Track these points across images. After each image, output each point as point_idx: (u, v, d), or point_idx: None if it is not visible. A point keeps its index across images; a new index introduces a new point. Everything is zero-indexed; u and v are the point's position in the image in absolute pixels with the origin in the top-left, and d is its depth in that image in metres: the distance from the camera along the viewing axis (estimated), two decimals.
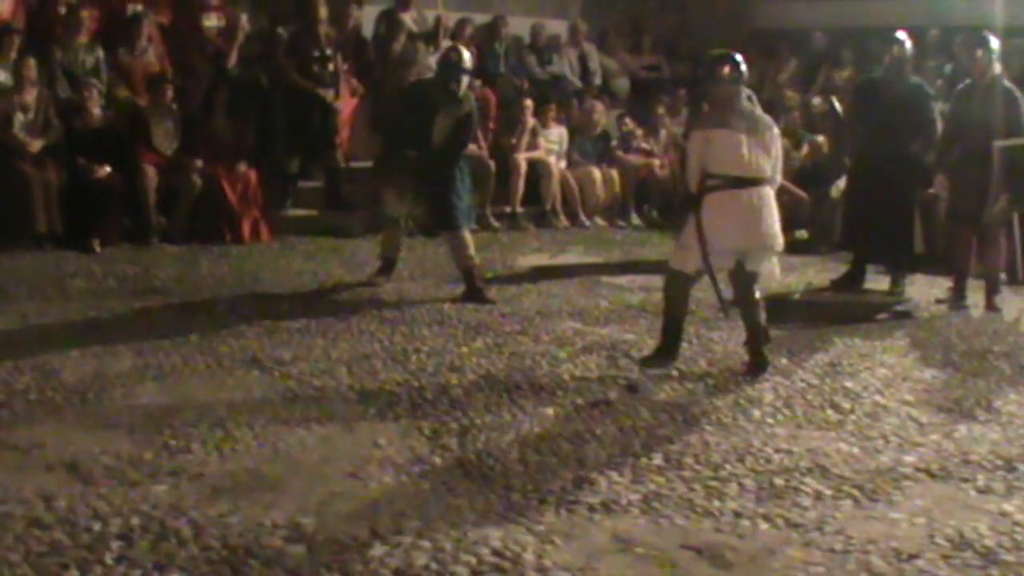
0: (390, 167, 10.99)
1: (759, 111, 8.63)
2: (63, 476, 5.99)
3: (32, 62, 12.54)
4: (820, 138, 15.10)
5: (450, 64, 10.79)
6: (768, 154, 8.37)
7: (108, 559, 5.06)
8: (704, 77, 9.06)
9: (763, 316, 8.53)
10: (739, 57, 8.50)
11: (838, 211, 12.88)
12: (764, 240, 8.37)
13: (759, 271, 8.51)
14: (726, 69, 8.43)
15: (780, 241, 8.52)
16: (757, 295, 8.55)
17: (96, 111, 12.77)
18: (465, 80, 10.82)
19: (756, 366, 8.49)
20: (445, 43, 15.38)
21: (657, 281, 11.41)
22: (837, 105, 12.72)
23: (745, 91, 8.52)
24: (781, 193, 14.18)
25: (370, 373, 8.09)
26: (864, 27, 17.29)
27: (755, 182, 8.31)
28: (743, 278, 8.51)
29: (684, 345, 8.89)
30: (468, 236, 10.79)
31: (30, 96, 12.41)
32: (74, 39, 13.33)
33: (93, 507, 5.60)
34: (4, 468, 6.07)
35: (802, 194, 14.53)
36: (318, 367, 8.17)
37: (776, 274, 8.83)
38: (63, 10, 13.72)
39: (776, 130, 8.58)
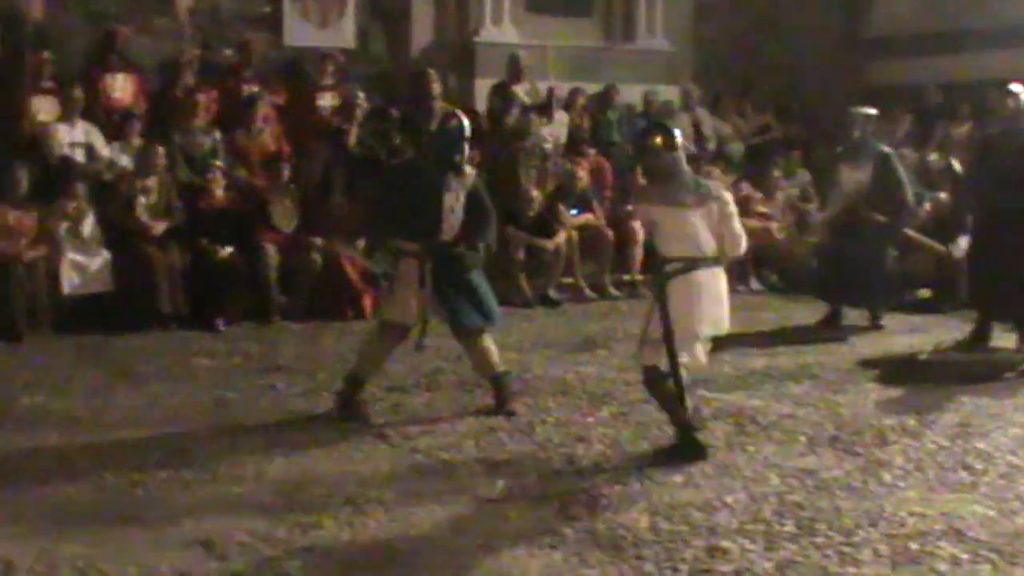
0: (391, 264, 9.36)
1: (705, 180, 8.10)
2: (199, 554, 6.04)
3: (156, 146, 12.81)
4: (941, 195, 14.91)
5: (452, 132, 9.00)
6: (714, 228, 7.74)
7: None
8: (637, 151, 8.72)
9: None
10: (670, 124, 7.98)
11: (962, 268, 12.69)
12: (725, 326, 7.92)
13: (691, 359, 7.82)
14: (657, 139, 7.81)
15: (726, 326, 7.96)
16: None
17: (220, 193, 13.00)
18: (467, 150, 9.13)
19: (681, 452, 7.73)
20: (559, 114, 15.47)
21: (780, 345, 11.40)
22: (955, 163, 12.58)
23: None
24: (920, 248, 14.03)
25: (497, 445, 8.10)
26: (979, 80, 17.08)
27: (712, 262, 7.75)
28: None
29: (810, 410, 8.82)
30: (488, 341, 9.16)
31: (152, 180, 12.65)
32: (192, 122, 13.60)
33: None
34: (141, 546, 6.13)
35: (942, 248, 14.18)
36: (445, 440, 8.19)
37: (703, 360, 8.03)
38: (180, 94, 14.01)
39: (726, 197, 7.89)
